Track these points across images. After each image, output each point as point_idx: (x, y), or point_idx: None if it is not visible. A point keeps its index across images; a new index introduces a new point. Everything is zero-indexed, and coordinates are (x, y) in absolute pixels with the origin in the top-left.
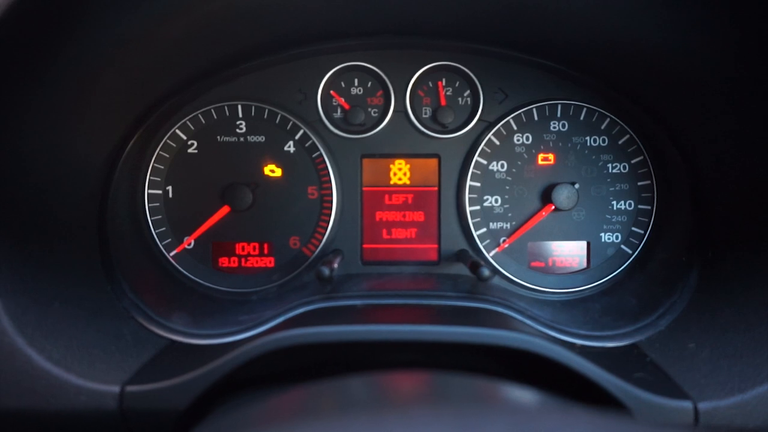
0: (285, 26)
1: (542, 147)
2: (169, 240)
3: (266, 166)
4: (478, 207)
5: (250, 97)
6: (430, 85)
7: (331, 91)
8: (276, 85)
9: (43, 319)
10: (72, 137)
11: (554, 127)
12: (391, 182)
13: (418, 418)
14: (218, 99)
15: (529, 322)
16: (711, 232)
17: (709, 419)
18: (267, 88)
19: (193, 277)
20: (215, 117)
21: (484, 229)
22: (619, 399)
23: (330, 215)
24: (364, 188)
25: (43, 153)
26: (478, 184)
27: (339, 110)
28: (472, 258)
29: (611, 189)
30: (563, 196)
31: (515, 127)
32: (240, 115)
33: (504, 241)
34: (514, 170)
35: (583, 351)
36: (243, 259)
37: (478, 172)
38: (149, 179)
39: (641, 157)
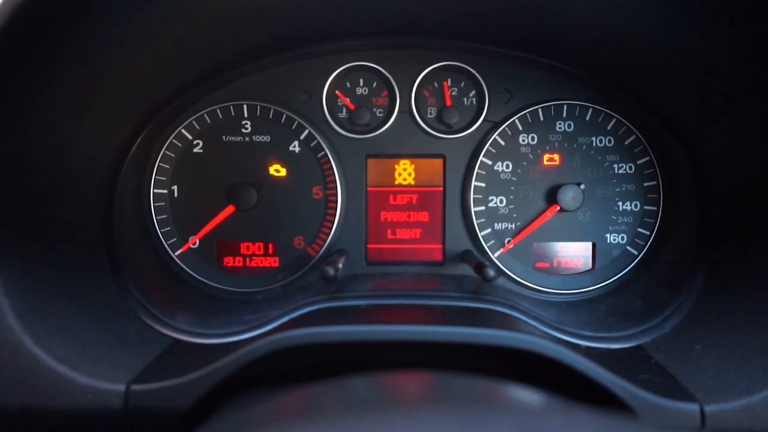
0: (285, 26)
1: (548, 147)
2: (175, 239)
3: (271, 165)
4: (483, 207)
5: (255, 97)
6: (436, 85)
7: (337, 91)
8: (281, 85)
9: (49, 318)
10: (76, 137)
11: (560, 128)
12: (396, 182)
13: (422, 418)
14: (224, 99)
15: (533, 323)
16: (717, 234)
17: (715, 422)
18: (272, 88)
19: (198, 276)
20: (221, 117)
21: (489, 230)
22: (625, 401)
23: (335, 215)
24: (369, 188)
25: (48, 153)
26: (483, 185)
27: (344, 110)
28: (476, 258)
29: (617, 190)
30: (569, 196)
31: (521, 128)
32: (245, 115)
33: (509, 241)
34: (519, 171)
35: (588, 352)
36: (248, 259)
37: (484, 172)
38: (155, 179)
39: (647, 158)
